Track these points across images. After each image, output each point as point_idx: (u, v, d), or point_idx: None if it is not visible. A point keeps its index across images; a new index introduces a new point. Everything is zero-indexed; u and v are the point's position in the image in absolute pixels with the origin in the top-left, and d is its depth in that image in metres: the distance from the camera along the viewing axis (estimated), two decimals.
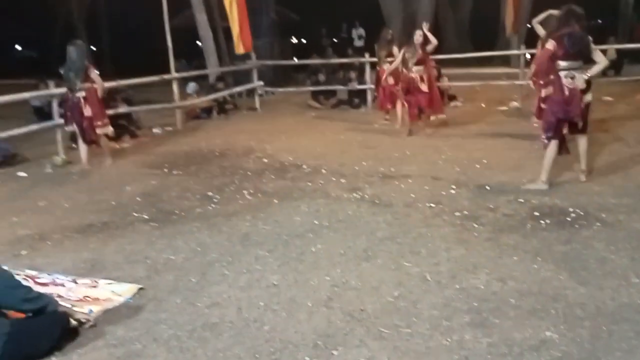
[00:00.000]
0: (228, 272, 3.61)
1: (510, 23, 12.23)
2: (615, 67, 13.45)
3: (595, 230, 3.98)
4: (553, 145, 5.01)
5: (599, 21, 27.13)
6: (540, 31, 6.91)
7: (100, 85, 6.81)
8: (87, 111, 6.60)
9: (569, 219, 4.24)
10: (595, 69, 4.92)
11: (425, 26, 7.91)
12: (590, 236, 3.88)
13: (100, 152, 6.95)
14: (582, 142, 5.19)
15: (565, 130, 5.02)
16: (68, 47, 6.60)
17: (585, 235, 3.89)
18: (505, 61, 16.06)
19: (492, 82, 11.42)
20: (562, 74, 4.87)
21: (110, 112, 7.56)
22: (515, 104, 9.91)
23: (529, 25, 17.88)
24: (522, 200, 4.71)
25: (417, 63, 7.67)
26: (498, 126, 8.19)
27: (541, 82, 5.38)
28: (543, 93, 5.37)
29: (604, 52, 13.12)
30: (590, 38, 4.93)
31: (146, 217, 4.80)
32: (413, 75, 7.68)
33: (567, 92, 4.83)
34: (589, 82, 4.98)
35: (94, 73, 6.75)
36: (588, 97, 5.07)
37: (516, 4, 12.10)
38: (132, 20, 25.92)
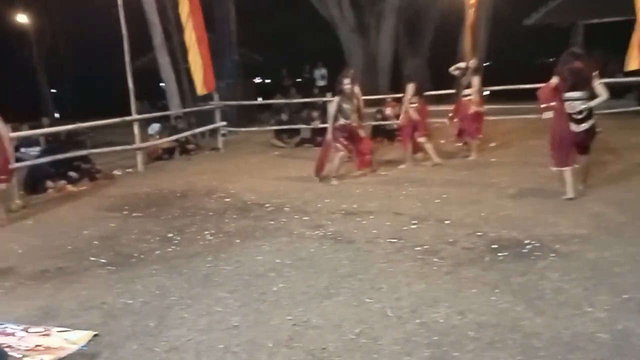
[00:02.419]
0: (187, 315, 3.54)
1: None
2: None
3: (551, 261, 4.07)
4: (565, 169, 5.78)
5: (551, 60, 28.35)
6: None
7: (6, 135, 6.26)
8: None
9: (525, 250, 4.33)
10: (596, 101, 5.61)
11: (350, 74, 7.79)
12: (545, 267, 3.96)
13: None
14: (582, 160, 5.92)
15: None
16: None
17: (541, 266, 3.98)
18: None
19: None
20: (566, 103, 5.63)
21: (68, 155, 7.45)
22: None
23: (485, 64, 18.50)
24: (481, 234, 4.79)
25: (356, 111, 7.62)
26: (457, 161, 8.38)
27: (542, 106, 6.02)
28: (544, 116, 6.02)
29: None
30: (594, 73, 5.67)
31: (103, 261, 4.70)
32: (354, 124, 7.59)
33: (569, 120, 5.62)
34: (590, 112, 5.64)
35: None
36: (586, 124, 5.65)
37: (472, 46, 12.56)
38: (93, 62, 25.81)
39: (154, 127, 11.06)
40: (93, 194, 7.66)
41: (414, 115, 8.13)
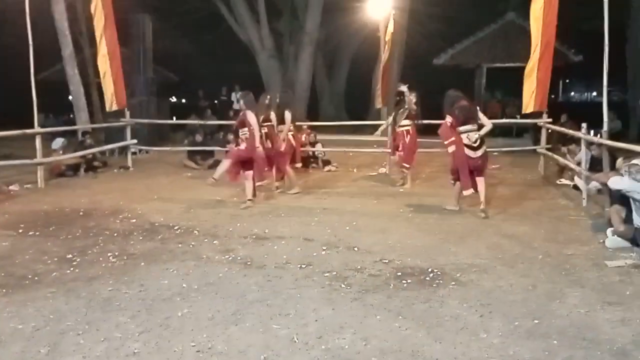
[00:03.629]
0: (84, 341, 3.35)
1: (380, 97, 13.22)
2: None
3: (451, 289, 4.27)
4: (457, 184, 6.89)
5: None
6: None
7: None
8: None
9: (428, 278, 4.51)
10: (484, 130, 6.77)
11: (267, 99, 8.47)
12: (446, 294, 4.15)
13: None
14: (480, 182, 6.80)
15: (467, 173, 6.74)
16: None
17: (442, 294, 4.15)
18: (376, 129, 17.11)
19: (364, 149, 12.06)
20: (462, 135, 6.66)
21: None
22: (383, 169, 10.52)
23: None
24: (387, 261, 4.94)
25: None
26: (367, 190, 8.62)
27: (445, 142, 6.89)
28: (449, 150, 6.85)
29: None
30: (477, 107, 7.01)
31: None
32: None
33: (465, 149, 6.66)
34: (482, 139, 6.75)
35: None
36: (481, 150, 6.73)
37: (385, 80, 13.12)
38: None
39: (58, 142, 10.49)
40: None
41: (292, 142, 8.38)
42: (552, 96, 26.09)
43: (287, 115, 8.26)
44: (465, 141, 6.66)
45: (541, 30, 8.48)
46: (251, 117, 7.31)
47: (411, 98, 8.66)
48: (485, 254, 5.19)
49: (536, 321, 3.65)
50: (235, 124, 7.72)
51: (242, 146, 7.37)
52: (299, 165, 9.02)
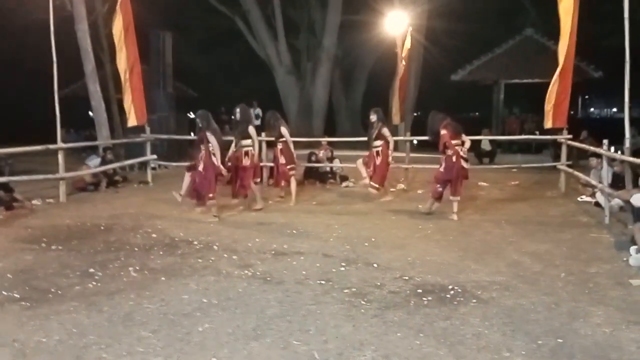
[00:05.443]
0: (106, 355, 3.38)
1: (397, 114, 13.24)
2: (489, 155, 14.81)
3: (472, 307, 4.23)
4: (436, 190, 7.74)
5: (477, 114, 30.04)
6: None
7: None
8: None
9: (448, 295, 4.47)
10: (467, 145, 7.69)
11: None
12: (467, 312, 4.11)
13: None
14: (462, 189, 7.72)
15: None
16: None
17: (463, 312, 4.12)
18: (394, 146, 17.12)
19: None
20: (457, 148, 7.48)
21: None
22: (401, 185, 10.50)
23: (415, 114, 19.35)
24: (407, 278, 4.92)
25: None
26: (385, 206, 8.60)
27: (449, 152, 7.56)
28: (447, 153, 7.57)
29: (478, 142, 14.47)
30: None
31: (17, 296, 4.43)
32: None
33: (454, 160, 7.48)
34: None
35: None
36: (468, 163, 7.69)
37: (402, 96, 13.16)
38: (20, 86, 24.75)
39: (95, 161, 10.75)
40: (9, 224, 7.23)
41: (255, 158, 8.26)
42: (572, 112, 25.91)
43: (252, 130, 8.21)
44: (461, 153, 7.51)
45: (570, 23, 8.34)
46: (211, 137, 7.46)
47: (384, 130, 8.75)
48: (506, 271, 5.14)
49: (560, 340, 3.60)
50: (195, 142, 7.90)
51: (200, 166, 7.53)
52: (316, 182, 9.02)
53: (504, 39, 17.72)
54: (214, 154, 7.44)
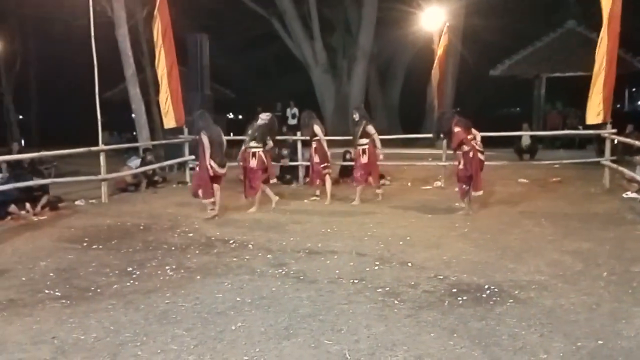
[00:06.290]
0: (141, 352, 3.45)
1: (437, 110, 13.03)
2: (530, 152, 14.45)
3: (509, 307, 4.13)
4: (463, 187, 7.70)
5: (517, 109, 29.39)
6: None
7: None
8: None
9: (484, 295, 4.38)
10: (479, 138, 7.59)
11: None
12: (503, 312, 4.01)
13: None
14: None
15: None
16: None
17: (499, 312, 4.02)
18: (431, 143, 16.91)
19: (418, 163, 11.93)
20: (473, 143, 7.48)
21: (30, 183, 7.30)
22: (438, 183, 10.36)
23: (454, 110, 19.02)
24: (442, 277, 4.84)
25: None
26: (421, 204, 8.49)
27: (466, 148, 7.56)
28: (464, 149, 7.55)
29: (519, 137, 14.15)
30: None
31: (58, 294, 4.57)
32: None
33: (472, 155, 7.46)
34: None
35: None
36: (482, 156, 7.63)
37: (440, 92, 12.96)
38: (63, 90, 25.60)
39: (135, 162, 11.04)
40: (53, 224, 7.48)
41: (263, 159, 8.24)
42: (618, 106, 25.08)
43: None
44: (477, 147, 7.53)
45: (608, 14, 8.07)
46: (204, 137, 7.49)
47: (369, 128, 8.61)
48: (546, 270, 5.00)
49: (600, 342, 3.47)
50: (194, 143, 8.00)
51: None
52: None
53: (543, 33, 17.26)
54: (204, 154, 7.52)
